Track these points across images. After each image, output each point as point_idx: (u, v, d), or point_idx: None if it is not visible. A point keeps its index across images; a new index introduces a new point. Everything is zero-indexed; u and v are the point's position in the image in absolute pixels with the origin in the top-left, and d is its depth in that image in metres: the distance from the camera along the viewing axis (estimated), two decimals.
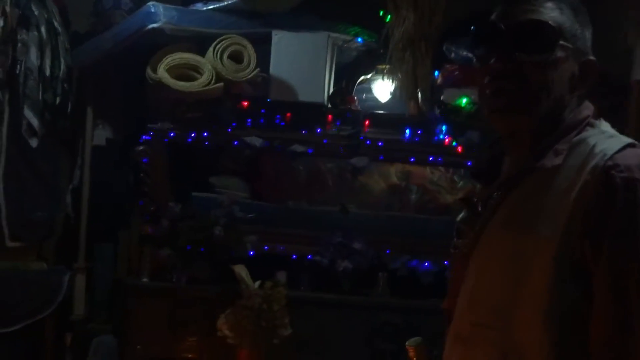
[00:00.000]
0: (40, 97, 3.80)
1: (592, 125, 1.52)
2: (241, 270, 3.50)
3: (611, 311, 1.38)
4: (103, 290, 4.01)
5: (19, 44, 3.75)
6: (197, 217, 3.67)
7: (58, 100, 3.86)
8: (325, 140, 3.82)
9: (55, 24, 3.89)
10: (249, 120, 3.81)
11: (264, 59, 3.80)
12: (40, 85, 3.80)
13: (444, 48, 3.81)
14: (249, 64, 3.76)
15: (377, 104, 3.95)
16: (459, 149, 3.76)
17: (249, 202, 3.82)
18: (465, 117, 3.76)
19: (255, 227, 3.70)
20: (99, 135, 4.12)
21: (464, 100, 3.77)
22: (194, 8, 3.94)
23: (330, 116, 3.82)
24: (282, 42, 3.84)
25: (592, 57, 1.54)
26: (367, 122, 3.83)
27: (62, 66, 3.88)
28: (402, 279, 3.69)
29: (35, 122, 3.78)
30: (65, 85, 3.90)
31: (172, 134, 3.79)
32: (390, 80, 3.88)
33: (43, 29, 3.81)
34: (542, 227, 1.43)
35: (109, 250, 4.04)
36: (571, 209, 1.41)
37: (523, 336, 1.42)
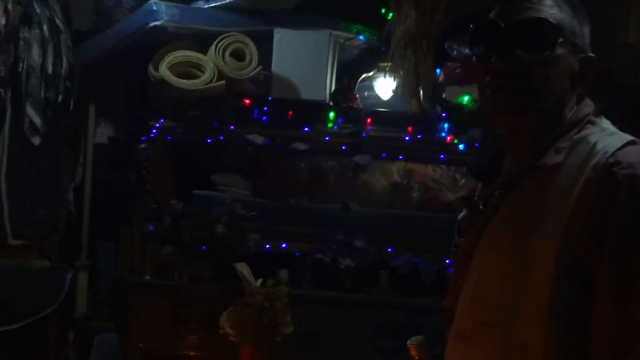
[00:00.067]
0: (42, 95, 3.81)
1: (592, 123, 1.51)
2: (243, 268, 3.50)
3: (613, 310, 1.37)
4: (105, 288, 4.02)
5: (21, 42, 3.75)
6: (198, 215, 3.67)
7: (60, 98, 3.86)
8: (327, 138, 3.81)
9: (57, 21, 3.89)
10: (251, 118, 3.81)
11: (265, 57, 3.79)
12: (43, 83, 3.81)
13: (446, 45, 3.80)
14: (250, 62, 3.76)
15: (379, 101, 3.94)
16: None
17: (251, 200, 3.82)
18: (467, 114, 3.75)
19: (257, 225, 3.70)
20: (101, 133, 4.12)
21: (466, 98, 3.76)
22: (196, 6, 3.94)
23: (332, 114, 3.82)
24: (284, 40, 3.83)
25: (591, 54, 1.53)
26: (369, 120, 3.82)
27: (64, 64, 3.89)
28: (403, 277, 3.68)
29: (37, 120, 3.79)
30: (67, 83, 3.90)
31: (174, 132, 3.79)
32: (392, 78, 3.86)
33: (45, 27, 3.81)
34: (544, 225, 1.42)
35: (111, 248, 4.05)
36: (573, 207, 1.40)
37: (525, 334, 1.42)
